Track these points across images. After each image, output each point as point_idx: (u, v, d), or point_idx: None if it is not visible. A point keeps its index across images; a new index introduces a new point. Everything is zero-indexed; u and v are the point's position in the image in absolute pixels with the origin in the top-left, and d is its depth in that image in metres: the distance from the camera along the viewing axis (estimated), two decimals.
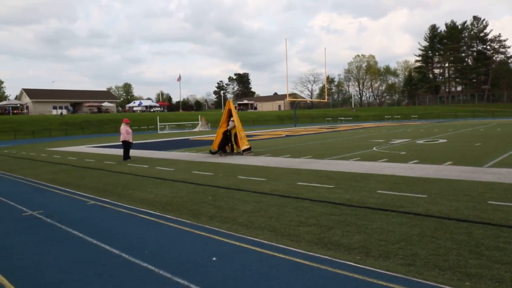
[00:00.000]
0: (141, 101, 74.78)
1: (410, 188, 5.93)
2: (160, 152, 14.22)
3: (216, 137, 12.87)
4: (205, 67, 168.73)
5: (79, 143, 22.41)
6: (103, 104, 63.23)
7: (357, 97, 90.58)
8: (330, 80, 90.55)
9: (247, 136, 15.79)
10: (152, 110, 69.28)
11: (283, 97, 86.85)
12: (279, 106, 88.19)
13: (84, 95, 65.64)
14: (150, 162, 10.89)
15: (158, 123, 39.54)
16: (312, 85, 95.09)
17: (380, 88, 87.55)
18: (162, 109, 72.75)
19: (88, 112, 58.14)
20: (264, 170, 8.46)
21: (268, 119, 56.59)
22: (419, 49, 74.89)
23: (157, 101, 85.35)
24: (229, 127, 12.19)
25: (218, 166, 9.59)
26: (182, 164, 10.27)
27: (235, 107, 69.02)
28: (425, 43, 72.65)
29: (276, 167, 8.94)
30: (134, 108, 69.35)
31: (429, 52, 71.91)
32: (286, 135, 23.15)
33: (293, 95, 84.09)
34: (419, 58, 74.12)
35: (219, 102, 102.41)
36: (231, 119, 12.33)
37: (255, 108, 79.24)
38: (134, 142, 20.54)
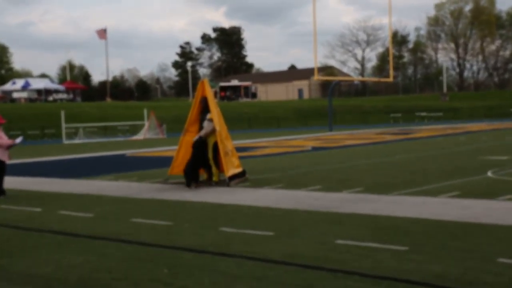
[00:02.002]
0: (29, 80, 75.56)
1: None
2: (68, 182, 14.30)
3: (178, 151, 12.98)
4: (158, 15, 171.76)
5: None
6: None
7: (453, 73, 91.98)
8: (399, 40, 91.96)
9: (239, 149, 15.88)
10: (51, 98, 70.09)
11: (307, 73, 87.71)
12: (300, 91, 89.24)
13: None
14: (47, 201, 10.97)
15: (64, 125, 39.88)
16: (363, 51, 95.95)
17: (502, 54, 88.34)
18: (71, 96, 73.54)
19: None
20: (271, 216, 8.49)
21: (278, 117, 57.10)
22: None
23: (61, 82, 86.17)
24: (202, 133, 12.32)
25: (181, 208, 9.65)
26: (111, 204, 10.35)
27: (215, 93, 70.22)
28: None
29: (295, 209, 8.97)
30: (14, 95, 70.15)
31: None
32: (313, 148, 23.37)
33: (327, 69, 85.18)
34: None
35: (184, 83, 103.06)
36: (207, 116, 12.48)
37: (254, 96, 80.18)
38: (11, 161, 20.61)
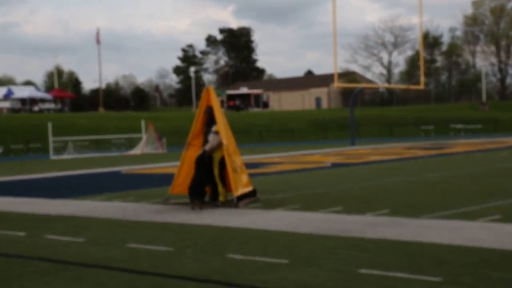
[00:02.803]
0: (12, 88, 76.22)
1: None
2: (56, 202, 14.39)
3: (180, 168, 13.03)
4: (157, 15, 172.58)
5: None
6: None
7: (493, 79, 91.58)
8: (431, 42, 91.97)
9: (249, 166, 15.90)
10: (37, 108, 70.58)
11: (326, 80, 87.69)
12: (318, 99, 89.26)
13: None
14: (32, 225, 11.03)
15: (51, 138, 40.19)
16: (390, 54, 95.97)
17: None
18: (59, 106, 74.01)
19: None
20: (286, 241, 8.50)
21: (293, 129, 57.01)
22: None
23: (48, 90, 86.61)
24: (207, 147, 12.37)
25: (184, 231, 9.69)
26: (104, 227, 10.41)
27: (222, 102, 70.31)
28: None
29: (312, 234, 8.98)
30: None
31: None
32: (332, 164, 23.35)
33: (349, 75, 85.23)
34: None
35: (186, 91, 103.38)
36: (213, 128, 12.54)
37: (266, 105, 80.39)
38: None
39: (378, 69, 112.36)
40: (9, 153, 43.44)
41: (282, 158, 28.65)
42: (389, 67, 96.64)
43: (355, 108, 47.07)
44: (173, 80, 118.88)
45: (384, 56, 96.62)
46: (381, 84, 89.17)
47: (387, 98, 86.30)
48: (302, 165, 23.36)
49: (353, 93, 47.63)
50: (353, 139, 41.87)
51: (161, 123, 50.91)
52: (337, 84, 37.00)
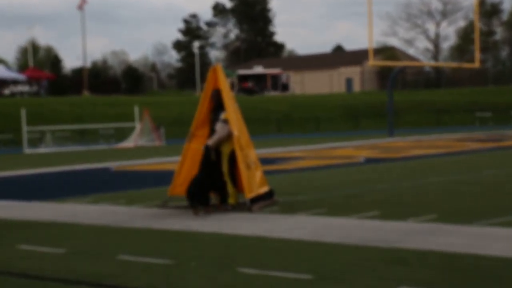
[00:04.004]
0: None
1: None
2: (31, 205, 14.46)
3: (181, 164, 13.06)
4: None
5: None
6: None
7: None
8: (488, 10, 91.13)
9: (264, 161, 15.86)
10: (7, 91, 70.66)
11: (359, 57, 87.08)
12: (349, 81, 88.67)
13: None
14: (4, 233, 11.09)
15: (25, 127, 40.38)
16: (438, 25, 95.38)
17: None
18: (35, 89, 74.04)
19: None
20: (309, 253, 8.52)
21: (319, 117, 56.75)
22: None
23: (21, 69, 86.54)
24: (215, 139, 12.39)
25: (186, 241, 9.74)
26: (90, 235, 10.46)
27: (232, 84, 70.00)
28: None
29: (341, 244, 8.99)
30: None
31: None
32: (366, 160, 23.33)
33: (387, 51, 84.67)
34: None
35: (189, 70, 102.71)
36: (222, 115, 12.54)
37: (286, 88, 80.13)
38: None
39: (422, 43, 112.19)
40: None
41: (304, 152, 28.64)
42: (436, 41, 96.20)
43: (394, 91, 46.88)
44: (173, 57, 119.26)
45: (431, 27, 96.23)
46: (427, 62, 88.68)
47: (434, 79, 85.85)
48: (329, 161, 23.35)
49: (392, 73, 47.43)
50: (391, 129, 41.75)
51: (158, 110, 51.07)
52: (372, 62, 36.91)
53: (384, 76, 75.62)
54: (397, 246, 8.65)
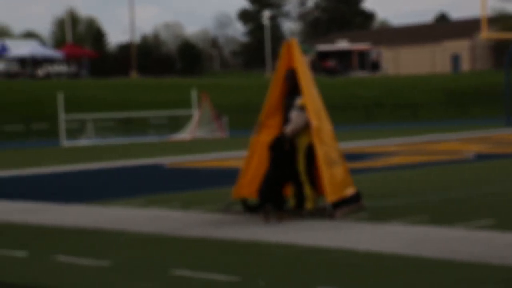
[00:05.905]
0: (6, 42, 77.62)
1: None
2: (69, 209, 14.71)
3: (248, 160, 13.13)
4: None
5: None
6: None
7: None
8: None
9: (350, 157, 15.80)
10: (41, 72, 71.92)
11: (468, 29, 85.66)
12: (455, 58, 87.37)
13: None
14: (36, 241, 11.30)
15: (63, 116, 41.13)
16: None
17: None
18: (74, 69, 75.11)
19: None
20: (404, 269, 8.49)
21: (417, 103, 56.16)
22: None
23: (58, 45, 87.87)
24: (289, 129, 12.43)
25: (254, 253, 9.82)
26: (138, 246, 10.59)
27: (310, 63, 69.84)
28: None
29: (445, 260, 8.91)
30: None
31: None
32: (477, 156, 23.07)
33: (503, 21, 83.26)
34: None
35: (258, 47, 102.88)
36: (297, 101, 12.54)
37: (376, 67, 79.50)
38: None
39: None
40: (3, 137, 44.54)
41: (399, 147, 28.50)
42: None
43: None
44: (239, 31, 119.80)
45: None
46: None
47: None
48: (429, 157, 23.23)
49: (510, 48, 46.66)
50: (509, 117, 41.11)
51: (220, 95, 51.39)
52: (485, 35, 36.36)
53: (501, 52, 74.36)
54: None
